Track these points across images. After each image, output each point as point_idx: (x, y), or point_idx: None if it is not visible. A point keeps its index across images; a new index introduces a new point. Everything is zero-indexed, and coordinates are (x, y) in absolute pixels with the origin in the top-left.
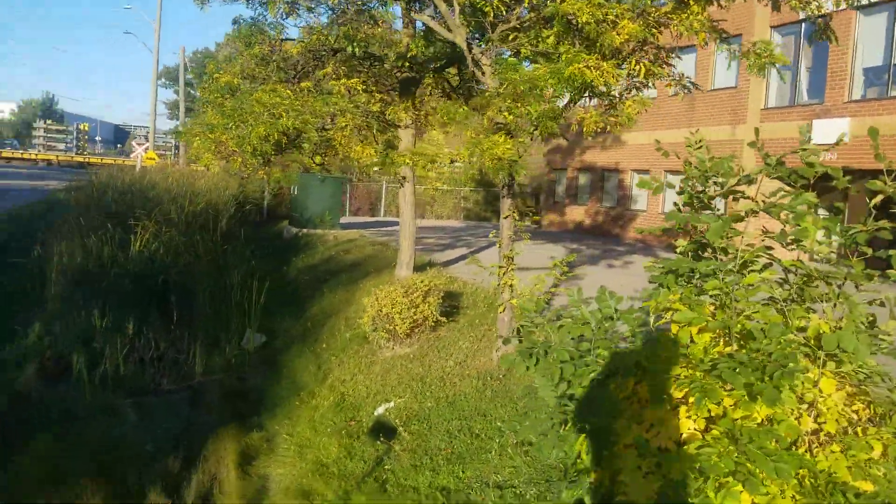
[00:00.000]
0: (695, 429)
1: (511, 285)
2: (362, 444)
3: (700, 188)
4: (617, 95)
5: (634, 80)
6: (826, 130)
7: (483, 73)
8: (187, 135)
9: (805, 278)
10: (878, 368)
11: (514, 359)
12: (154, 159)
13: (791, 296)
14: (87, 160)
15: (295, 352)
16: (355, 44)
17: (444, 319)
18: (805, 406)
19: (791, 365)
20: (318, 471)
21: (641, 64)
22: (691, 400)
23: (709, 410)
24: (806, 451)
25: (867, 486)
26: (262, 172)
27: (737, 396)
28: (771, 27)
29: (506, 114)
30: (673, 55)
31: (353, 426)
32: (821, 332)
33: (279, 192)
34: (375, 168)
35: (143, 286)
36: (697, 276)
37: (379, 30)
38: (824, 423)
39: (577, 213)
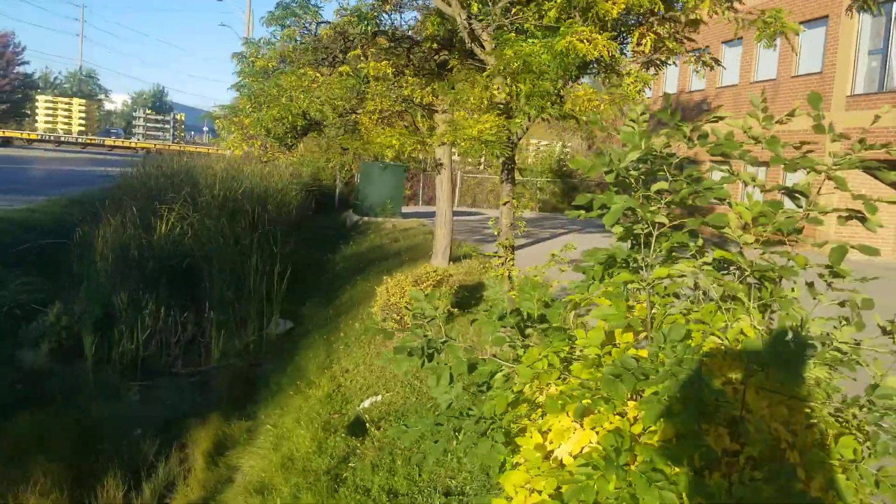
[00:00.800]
0: (597, 442)
1: (509, 276)
2: (337, 438)
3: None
4: (629, 71)
5: (652, 56)
6: None
7: (483, 49)
8: (210, 117)
9: (752, 271)
10: (832, 383)
11: (391, 356)
12: (242, 148)
13: (730, 293)
14: (182, 148)
15: (311, 339)
16: (367, 22)
17: (457, 311)
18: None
19: (684, 375)
20: (285, 465)
21: (647, 37)
22: (571, 408)
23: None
24: (723, 478)
25: None
26: (281, 157)
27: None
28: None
29: (495, 91)
30: (692, 30)
31: (336, 419)
32: (742, 335)
33: (350, 181)
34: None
35: (167, 269)
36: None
37: (388, 6)
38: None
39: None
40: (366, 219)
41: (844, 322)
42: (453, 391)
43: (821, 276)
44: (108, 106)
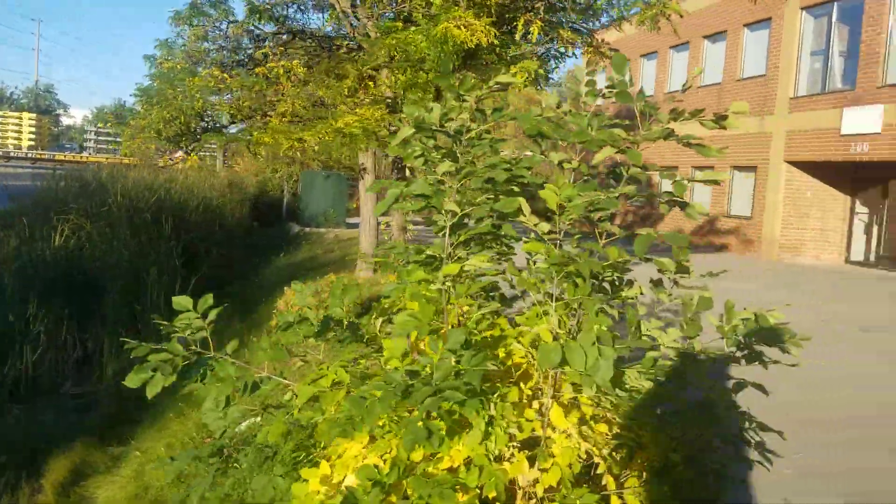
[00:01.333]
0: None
1: None
2: (200, 466)
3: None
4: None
5: (548, 47)
6: (857, 119)
7: (368, 38)
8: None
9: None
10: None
11: (137, 379)
12: (196, 163)
13: (551, 294)
14: (133, 163)
15: None
16: (259, 15)
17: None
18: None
19: (451, 391)
20: (138, 496)
21: (534, 24)
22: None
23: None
24: None
25: None
26: (165, 160)
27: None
28: (801, 8)
29: (369, 83)
30: (585, 18)
31: (207, 444)
32: (539, 341)
33: (297, 192)
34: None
35: (63, 283)
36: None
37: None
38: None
39: None
40: (307, 229)
41: (687, 323)
42: (228, 416)
43: (660, 271)
44: (66, 121)
